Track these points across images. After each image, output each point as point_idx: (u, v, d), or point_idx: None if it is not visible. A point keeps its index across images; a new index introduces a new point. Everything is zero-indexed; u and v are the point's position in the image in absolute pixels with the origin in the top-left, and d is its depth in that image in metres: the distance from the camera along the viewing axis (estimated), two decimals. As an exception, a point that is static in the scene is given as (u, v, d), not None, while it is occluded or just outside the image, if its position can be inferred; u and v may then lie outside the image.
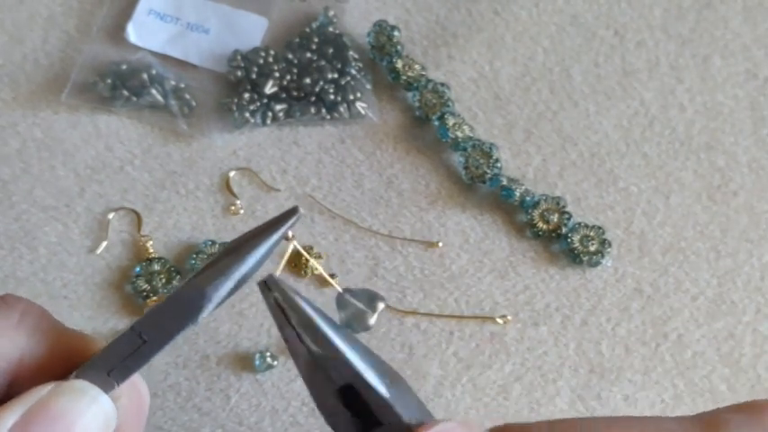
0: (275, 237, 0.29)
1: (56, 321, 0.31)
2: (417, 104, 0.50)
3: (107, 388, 0.28)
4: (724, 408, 0.28)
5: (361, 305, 0.33)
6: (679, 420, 0.28)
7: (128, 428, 0.30)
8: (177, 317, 0.28)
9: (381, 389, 0.28)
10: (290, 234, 0.29)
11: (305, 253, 0.33)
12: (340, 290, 0.32)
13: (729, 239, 0.48)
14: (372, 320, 0.33)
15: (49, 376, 0.28)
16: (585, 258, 0.47)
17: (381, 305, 0.32)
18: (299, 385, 0.44)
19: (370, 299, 0.33)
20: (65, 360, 0.29)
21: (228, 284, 0.29)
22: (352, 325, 0.33)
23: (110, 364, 0.28)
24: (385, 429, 0.28)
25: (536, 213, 0.47)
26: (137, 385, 0.30)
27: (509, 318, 0.46)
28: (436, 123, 0.50)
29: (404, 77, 0.51)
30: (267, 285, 0.28)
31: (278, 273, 0.31)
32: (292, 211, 0.30)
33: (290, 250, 0.30)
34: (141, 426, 0.31)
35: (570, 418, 0.29)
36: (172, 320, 0.28)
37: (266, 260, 0.30)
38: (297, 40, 0.52)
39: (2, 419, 0.26)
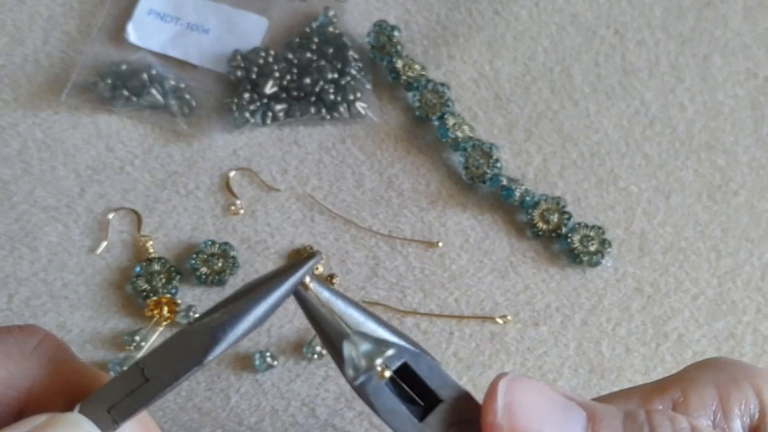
0: (292, 281, 0.28)
1: (72, 354, 0.30)
2: (417, 104, 0.50)
3: (105, 425, 0.27)
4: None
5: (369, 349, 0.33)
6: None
7: None
8: (182, 357, 0.27)
9: (435, 362, 0.27)
10: (307, 280, 0.28)
11: (321, 309, 0.32)
12: (349, 332, 0.32)
13: (730, 239, 0.48)
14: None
15: (55, 407, 0.28)
16: (585, 258, 0.47)
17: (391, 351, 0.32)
18: (299, 385, 0.44)
19: (377, 344, 0.33)
20: (72, 393, 0.29)
21: (239, 328, 0.27)
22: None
23: (110, 400, 0.27)
24: (447, 405, 0.27)
25: (536, 213, 0.47)
26: (147, 425, 0.29)
27: (509, 318, 0.46)
28: (436, 123, 0.50)
29: (404, 77, 0.51)
30: (298, 293, 0.28)
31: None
32: (311, 256, 0.28)
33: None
34: None
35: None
36: (177, 360, 0.27)
37: (281, 305, 0.28)
38: (297, 40, 0.52)
39: None
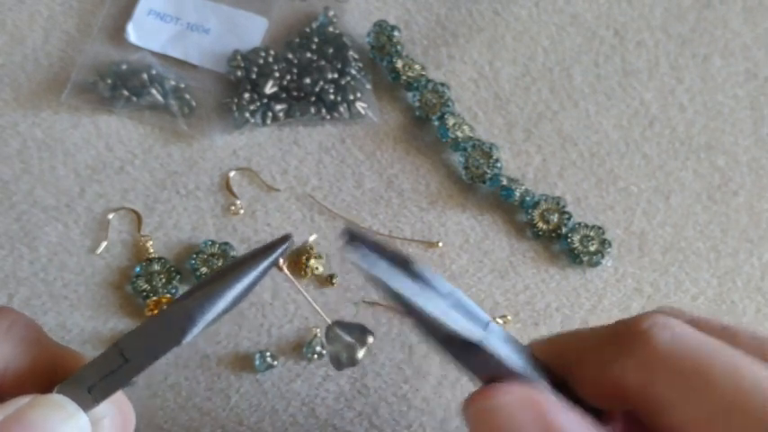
0: (265, 264, 0.29)
1: (43, 334, 0.31)
2: (417, 104, 0.50)
3: (86, 405, 0.28)
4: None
5: (350, 339, 0.33)
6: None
7: None
8: (161, 337, 0.28)
9: (502, 361, 0.28)
10: (281, 262, 0.29)
11: (295, 282, 0.33)
12: (329, 321, 0.32)
13: (729, 239, 0.48)
14: (361, 354, 0.33)
15: (32, 389, 0.28)
16: (585, 258, 0.47)
17: (371, 339, 0.32)
18: (299, 385, 0.44)
19: (361, 332, 0.33)
20: (48, 373, 0.29)
21: (215, 309, 0.28)
22: (341, 359, 0.33)
23: (90, 380, 0.28)
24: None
25: (536, 213, 0.47)
26: (122, 406, 0.30)
27: (509, 318, 0.46)
28: (436, 123, 0.50)
29: (404, 77, 0.51)
30: (351, 235, 0.28)
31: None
32: (284, 239, 0.30)
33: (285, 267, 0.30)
34: None
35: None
36: (155, 341, 0.28)
37: (255, 287, 0.30)
38: (297, 40, 0.52)
39: None
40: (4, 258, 0.46)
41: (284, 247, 0.29)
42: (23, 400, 0.28)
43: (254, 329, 0.45)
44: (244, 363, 0.44)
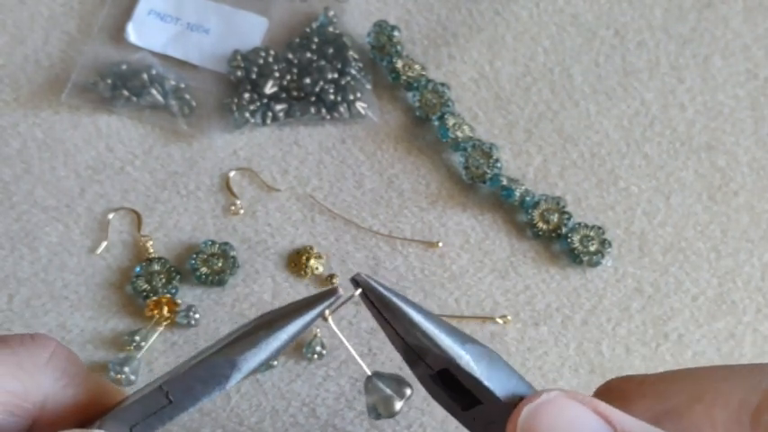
0: (311, 315, 0.30)
1: (82, 366, 0.30)
2: (417, 104, 0.50)
3: None
4: None
5: (388, 391, 0.33)
6: None
7: None
8: (205, 383, 0.29)
9: (476, 372, 0.29)
10: (327, 313, 0.30)
11: (341, 336, 0.33)
12: (369, 373, 0.32)
13: (730, 239, 0.48)
14: (399, 406, 0.33)
15: (71, 423, 0.28)
16: (585, 258, 0.47)
17: (409, 391, 0.32)
18: (300, 385, 0.44)
19: (399, 384, 0.33)
20: (88, 407, 0.29)
21: (258, 357, 0.29)
22: (378, 410, 0.34)
23: (133, 419, 0.29)
24: (484, 408, 0.29)
25: (536, 213, 0.47)
26: None
27: (509, 318, 0.46)
28: (436, 123, 0.50)
29: (404, 77, 0.51)
30: (357, 283, 0.29)
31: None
32: (331, 292, 0.30)
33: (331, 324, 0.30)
34: None
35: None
36: (199, 386, 0.29)
37: (299, 336, 0.30)
38: (297, 40, 0.52)
39: None
40: (5, 259, 0.46)
41: (331, 300, 0.30)
42: None
43: (254, 329, 0.45)
44: (244, 363, 0.44)
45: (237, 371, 0.29)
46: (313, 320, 0.30)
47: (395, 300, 0.29)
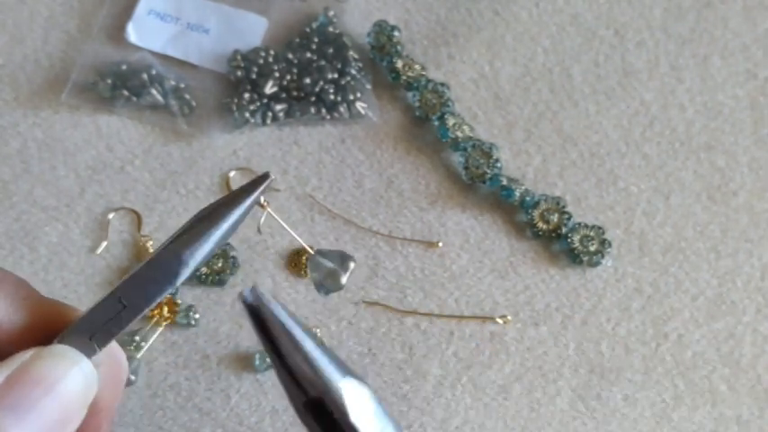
0: (248, 202, 0.30)
1: (33, 290, 0.31)
2: (417, 104, 0.50)
3: (89, 352, 0.29)
4: None
5: (332, 265, 0.34)
6: None
7: (107, 394, 0.30)
8: (156, 282, 0.29)
9: (346, 408, 0.28)
10: (262, 200, 0.31)
11: (279, 219, 0.34)
12: (311, 251, 0.33)
13: (729, 239, 0.48)
14: (344, 279, 0.34)
15: (30, 343, 0.29)
16: (585, 258, 0.47)
17: (352, 264, 0.33)
18: (300, 385, 0.44)
19: (342, 259, 0.34)
20: (45, 327, 0.30)
21: (204, 249, 0.29)
22: (326, 284, 0.34)
23: (91, 329, 0.29)
24: None
25: (536, 213, 0.47)
26: (115, 353, 0.31)
27: (509, 318, 0.46)
28: (436, 123, 0.50)
29: (404, 77, 0.51)
30: (243, 297, 0.29)
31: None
32: (264, 177, 0.31)
33: (264, 216, 0.30)
34: (120, 392, 0.31)
35: None
36: (151, 285, 0.29)
37: (239, 225, 0.30)
38: (297, 40, 0.52)
39: None
40: (4, 258, 0.46)
41: (265, 184, 0.30)
42: (26, 355, 0.28)
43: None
44: (244, 363, 0.44)
45: (185, 266, 0.29)
46: (251, 207, 0.30)
47: (284, 320, 0.28)
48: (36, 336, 0.29)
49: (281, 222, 0.34)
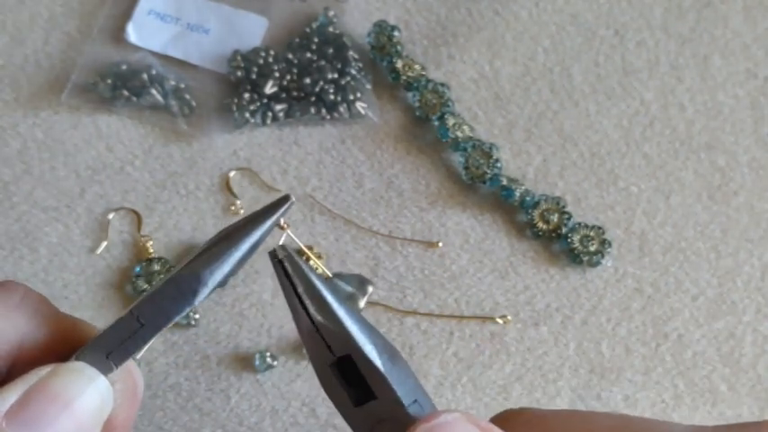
0: (268, 224, 0.30)
1: (54, 307, 0.31)
2: (417, 104, 0.50)
3: (105, 370, 0.29)
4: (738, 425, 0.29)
5: (351, 289, 0.34)
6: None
7: (122, 412, 0.30)
8: (173, 300, 0.29)
9: (378, 362, 0.28)
10: (282, 221, 0.31)
11: (299, 243, 0.34)
12: (330, 275, 0.33)
13: (730, 239, 0.48)
14: (362, 303, 0.34)
15: (49, 359, 0.29)
16: (585, 258, 0.47)
17: (370, 288, 0.33)
18: (300, 385, 0.44)
19: (360, 283, 0.34)
20: (64, 344, 0.30)
21: (223, 269, 0.29)
22: None
23: (108, 347, 0.29)
24: (379, 403, 0.29)
25: (536, 213, 0.47)
26: (131, 371, 0.31)
27: (509, 318, 0.46)
28: (436, 123, 0.50)
29: (404, 77, 0.51)
30: (276, 254, 0.29)
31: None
32: (284, 199, 0.31)
33: (283, 238, 0.30)
34: (135, 410, 0.31)
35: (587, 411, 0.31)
36: (168, 304, 0.29)
37: (259, 247, 0.31)
38: (297, 40, 0.52)
39: (2, 399, 0.27)
40: (5, 259, 0.46)
41: (286, 206, 0.30)
42: (43, 371, 0.28)
43: (254, 329, 0.45)
44: (244, 363, 0.44)
45: (204, 285, 0.29)
46: (270, 228, 0.30)
47: (311, 275, 0.29)
48: (54, 352, 0.30)
49: (301, 245, 0.34)
